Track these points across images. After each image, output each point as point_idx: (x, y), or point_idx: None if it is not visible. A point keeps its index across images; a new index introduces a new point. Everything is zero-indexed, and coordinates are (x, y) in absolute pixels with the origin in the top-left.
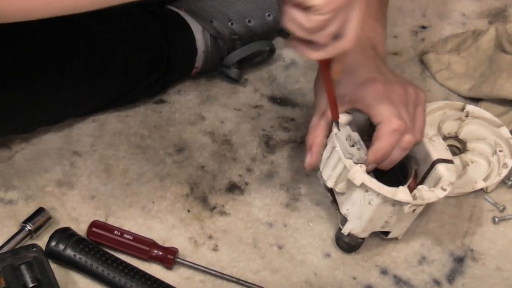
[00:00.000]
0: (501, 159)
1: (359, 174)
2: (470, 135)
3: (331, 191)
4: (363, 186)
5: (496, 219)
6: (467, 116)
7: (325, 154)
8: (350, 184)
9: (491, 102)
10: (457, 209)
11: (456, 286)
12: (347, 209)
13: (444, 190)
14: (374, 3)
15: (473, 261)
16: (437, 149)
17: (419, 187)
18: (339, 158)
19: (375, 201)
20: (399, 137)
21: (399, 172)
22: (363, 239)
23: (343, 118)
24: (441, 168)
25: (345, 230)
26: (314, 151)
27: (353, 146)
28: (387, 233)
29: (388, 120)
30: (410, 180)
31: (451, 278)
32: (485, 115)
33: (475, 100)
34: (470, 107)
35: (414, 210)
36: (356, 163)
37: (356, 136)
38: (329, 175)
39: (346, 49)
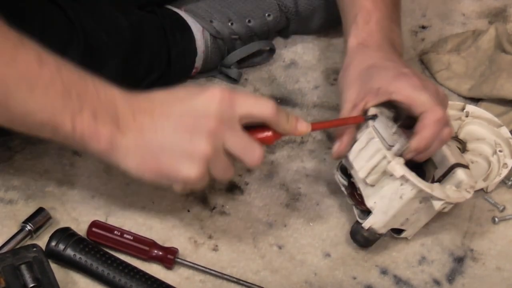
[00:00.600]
0: (501, 159)
1: (400, 166)
2: (470, 135)
3: (348, 185)
4: (401, 178)
5: (496, 219)
6: (467, 116)
7: (358, 146)
8: (383, 177)
9: (491, 102)
10: (457, 209)
11: (456, 286)
12: (374, 202)
13: (469, 192)
14: (390, 5)
15: (473, 261)
16: (454, 153)
17: (447, 187)
18: (377, 149)
19: (407, 195)
20: (442, 128)
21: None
22: (380, 235)
23: (373, 111)
24: (460, 172)
25: (367, 224)
26: (345, 141)
27: (394, 134)
28: (399, 231)
29: (434, 109)
30: (429, 182)
31: (451, 278)
32: (485, 115)
33: (475, 100)
34: (470, 107)
35: (444, 208)
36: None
37: (394, 126)
38: (362, 166)
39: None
